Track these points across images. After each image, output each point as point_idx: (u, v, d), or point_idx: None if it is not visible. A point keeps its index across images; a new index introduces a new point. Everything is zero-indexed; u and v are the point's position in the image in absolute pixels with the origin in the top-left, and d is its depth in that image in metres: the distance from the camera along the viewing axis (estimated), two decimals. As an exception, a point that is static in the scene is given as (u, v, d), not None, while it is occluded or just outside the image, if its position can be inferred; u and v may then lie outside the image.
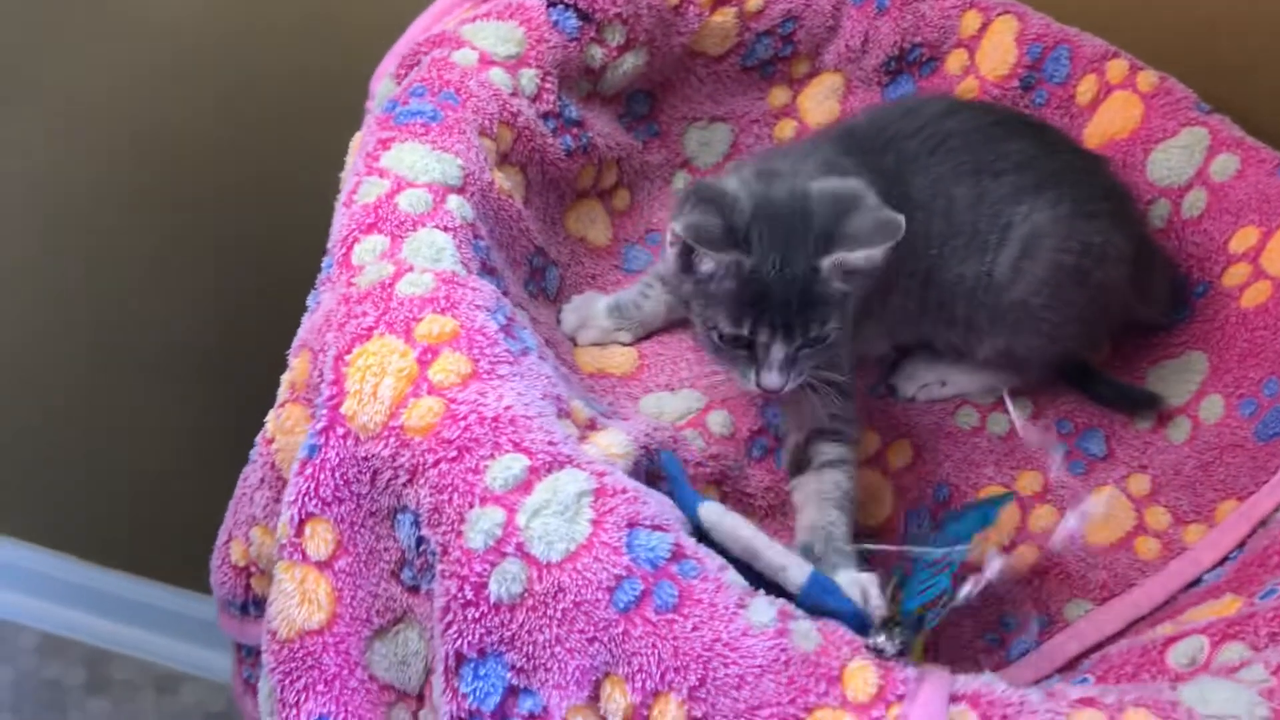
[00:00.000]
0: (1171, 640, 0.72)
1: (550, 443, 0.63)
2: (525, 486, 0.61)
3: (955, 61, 1.03)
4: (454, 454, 0.62)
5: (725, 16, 0.99)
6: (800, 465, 0.85)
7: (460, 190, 0.77)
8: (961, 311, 0.91)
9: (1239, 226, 0.95)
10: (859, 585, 0.71)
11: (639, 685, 0.58)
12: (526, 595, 0.59)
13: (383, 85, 0.90)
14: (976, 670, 0.62)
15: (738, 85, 1.04)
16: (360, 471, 0.65)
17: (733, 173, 0.88)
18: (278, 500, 0.73)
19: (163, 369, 1.53)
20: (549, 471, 0.62)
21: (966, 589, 0.71)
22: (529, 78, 0.88)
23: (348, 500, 0.66)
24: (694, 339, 0.94)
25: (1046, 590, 0.85)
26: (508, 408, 0.64)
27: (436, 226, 0.73)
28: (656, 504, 0.63)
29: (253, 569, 0.78)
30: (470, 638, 0.61)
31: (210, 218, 1.35)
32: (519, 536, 0.60)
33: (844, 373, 0.84)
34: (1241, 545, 0.83)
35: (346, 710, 0.68)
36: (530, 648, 0.60)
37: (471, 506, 0.61)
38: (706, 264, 0.79)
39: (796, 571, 0.66)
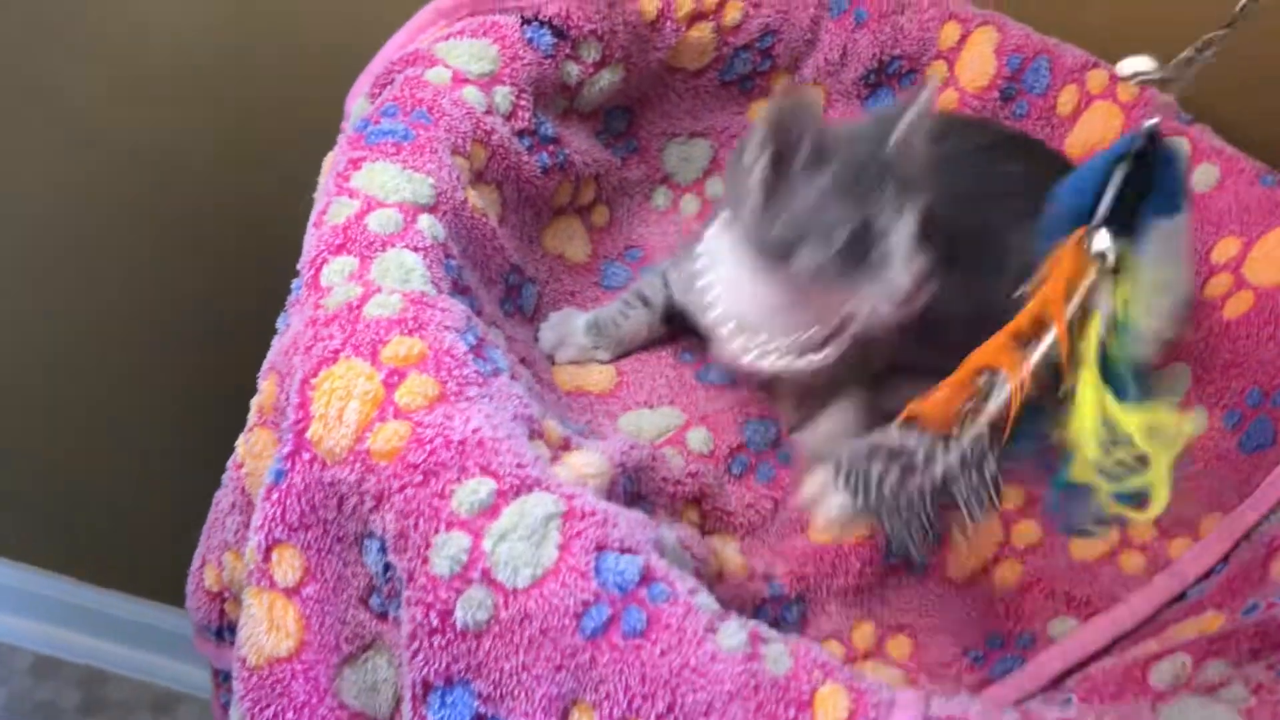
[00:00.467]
0: (1155, 658, 0.71)
1: (519, 465, 0.62)
2: (492, 511, 0.60)
3: (935, 73, 1.03)
4: (419, 478, 0.61)
5: (702, 31, 0.98)
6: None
7: (432, 209, 0.76)
8: (956, 338, 0.89)
9: (1220, 237, 0.94)
10: None
11: (606, 713, 0.57)
12: (493, 622, 0.59)
13: (357, 104, 0.90)
14: (957, 689, 0.61)
15: (716, 100, 1.04)
16: (327, 497, 0.65)
17: None
18: (249, 525, 0.72)
19: (153, 386, 1.52)
20: (516, 495, 0.61)
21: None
22: (503, 95, 0.87)
23: (314, 526, 0.65)
24: (674, 356, 0.93)
25: (1030, 607, 0.84)
26: (475, 430, 0.63)
27: (406, 246, 0.73)
28: (626, 525, 0.62)
29: (226, 594, 0.78)
30: (437, 665, 0.60)
31: (188, 239, 1.35)
32: (485, 562, 0.59)
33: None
34: (1226, 559, 0.83)
35: (317, 738, 0.67)
36: (497, 675, 0.59)
37: (437, 532, 0.60)
38: None
39: None
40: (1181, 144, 0.97)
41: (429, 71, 0.85)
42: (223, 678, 0.83)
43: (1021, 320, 0.69)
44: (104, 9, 1.20)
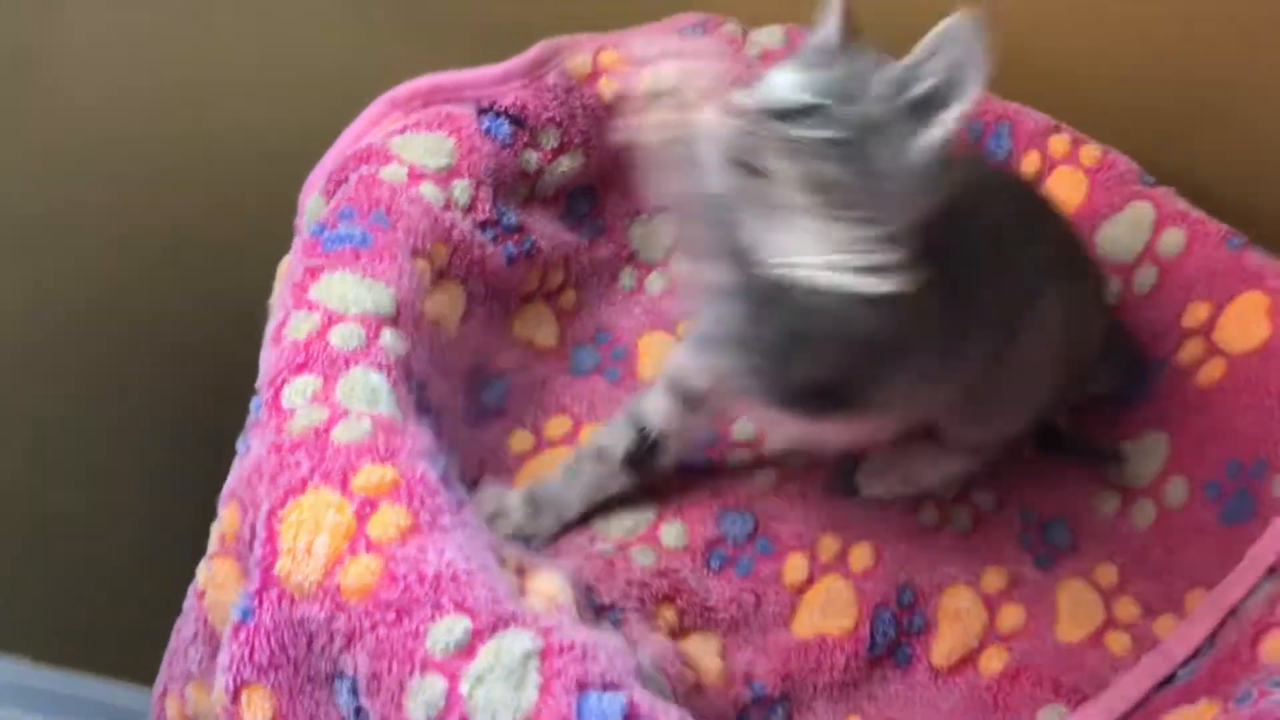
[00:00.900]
0: (1147, 749, 0.70)
1: (494, 600, 0.60)
2: (468, 651, 0.58)
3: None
4: (392, 617, 0.59)
5: (662, 110, 0.97)
6: None
7: (394, 321, 0.74)
8: (959, 398, 0.88)
9: (1189, 301, 0.94)
10: None
11: None
12: (473, 770, 0.56)
13: (311, 200, 0.88)
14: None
15: (679, 174, 1.02)
16: (296, 635, 0.62)
17: None
18: (213, 657, 0.69)
19: (117, 464, 1.49)
20: (493, 632, 0.59)
21: None
22: (462, 188, 0.86)
23: (285, 666, 0.63)
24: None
25: (1018, 695, 0.82)
26: (449, 563, 0.61)
27: (370, 365, 0.71)
28: (606, 657, 0.60)
29: (191, 725, 0.75)
30: (417, 815, 0.58)
31: (141, 346, 1.32)
32: (463, 707, 0.56)
33: None
34: (1213, 637, 0.82)
35: None
36: (479, 825, 0.57)
37: (411, 674, 0.58)
38: None
39: None
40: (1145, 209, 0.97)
41: (384, 169, 0.83)
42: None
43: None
44: (41, 101, 1.17)
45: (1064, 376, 0.90)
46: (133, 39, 1.15)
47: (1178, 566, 0.88)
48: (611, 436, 0.85)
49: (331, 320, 0.72)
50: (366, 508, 0.63)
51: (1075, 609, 0.87)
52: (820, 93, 0.71)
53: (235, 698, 0.64)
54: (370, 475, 0.64)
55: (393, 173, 0.83)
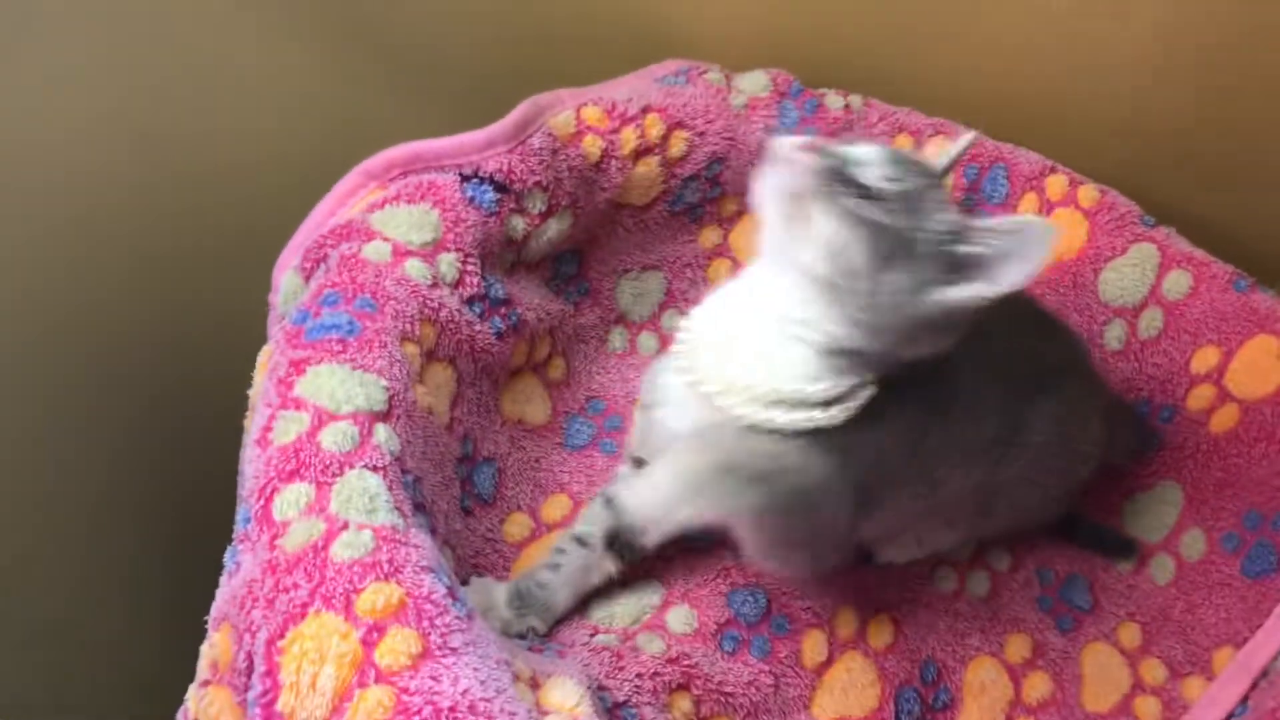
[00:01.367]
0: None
1: (517, 730, 0.56)
2: (495, 793, 0.54)
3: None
4: (409, 758, 0.55)
5: (649, 166, 0.94)
6: None
7: (386, 416, 0.70)
8: (969, 506, 0.86)
9: (1198, 346, 0.91)
10: None
11: None
12: None
13: (286, 277, 0.83)
14: None
15: (667, 230, 0.99)
16: (304, 777, 0.58)
17: None
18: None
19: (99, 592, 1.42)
20: (520, 770, 0.55)
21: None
22: (449, 263, 0.81)
23: (293, 810, 0.58)
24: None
25: (1051, 772, 0.79)
26: (465, 692, 0.57)
27: (366, 467, 0.66)
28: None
29: None
30: None
31: (117, 437, 1.25)
32: None
33: None
34: (1245, 700, 0.79)
35: None
36: None
37: (435, 822, 0.54)
38: None
39: None
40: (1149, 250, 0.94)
41: (367, 247, 0.79)
42: None
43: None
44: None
45: (1084, 471, 0.88)
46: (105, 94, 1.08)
47: (1201, 624, 0.85)
48: (589, 521, 0.80)
49: (322, 420, 0.68)
50: (373, 633, 0.58)
51: (1101, 675, 0.84)
52: (891, 184, 0.70)
53: (240, 846, 0.59)
54: (376, 596, 0.59)
55: (376, 250, 0.78)
